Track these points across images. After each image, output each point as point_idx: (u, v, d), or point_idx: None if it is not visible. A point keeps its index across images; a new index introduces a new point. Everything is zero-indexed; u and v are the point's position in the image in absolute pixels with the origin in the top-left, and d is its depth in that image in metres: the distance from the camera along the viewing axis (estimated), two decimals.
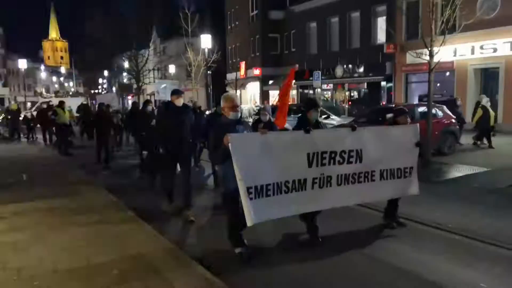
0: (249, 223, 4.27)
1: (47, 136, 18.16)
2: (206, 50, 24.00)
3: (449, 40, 10.31)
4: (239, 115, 4.82)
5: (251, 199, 4.28)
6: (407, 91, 23.09)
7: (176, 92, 6.77)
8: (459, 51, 19.28)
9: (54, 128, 15.10)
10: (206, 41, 22.36)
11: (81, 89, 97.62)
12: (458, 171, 10.06)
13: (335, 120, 17.48)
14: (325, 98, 29.78)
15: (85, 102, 29.06)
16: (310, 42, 29.95)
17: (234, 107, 4.73)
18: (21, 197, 7.77)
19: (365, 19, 24.97)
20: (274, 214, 4.59)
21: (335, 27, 27.48)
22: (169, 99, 6.90)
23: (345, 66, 25.95)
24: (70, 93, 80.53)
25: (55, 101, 22.61)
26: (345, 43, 26.63)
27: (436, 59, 10.81)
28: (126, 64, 44.18)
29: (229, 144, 4.25)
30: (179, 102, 6.64)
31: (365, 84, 25.97)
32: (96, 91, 78.33)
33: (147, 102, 11.63)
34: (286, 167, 4.64)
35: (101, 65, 52.74)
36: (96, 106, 22.52)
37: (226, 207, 4.95)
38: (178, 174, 6.95)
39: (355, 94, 27.86)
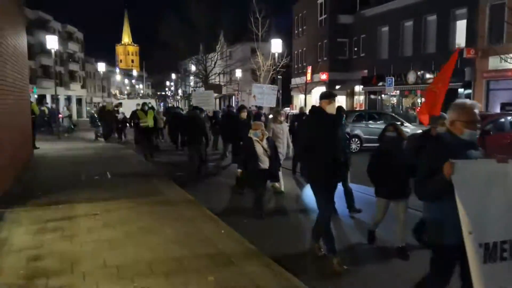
0: None
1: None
2: (276, 55, 24.07)
3: None
4: (477, 135, 3.20)
5: (483, 262, 2.85)
6: (488, 99, 21.63)
7: (328, 96, 4.98)
8: None
9: (138, 131, 15.02)
10: (276, 45, 22.35)
11: (149, 91, 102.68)
12: None
13: (408, 127, 16.69)
14: (392, 105, 28.79)
15: (170, 105, 29.75)
16: (381, 47, 29.10)
17: (473, 122, 3.13)
18: (109, 195, 8.13)
19: (442, 23, 23.78)
20: None
21: (409, 31, 26.47)
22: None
23: (418, 72, 24.88)
24: (140, 95, 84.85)
25: (129, 103, 22.66)
26: (419, 47, 25.53)
27: None
28: (193, 68, 45.78)
29: (453, 176, 2.85)
30: (332, 109, 4.95)
31: None
32: (163, 93, 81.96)
33: (242, 108, 10.79)
34: None
35: (170, 68, 55.11)
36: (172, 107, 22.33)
37: (433, 269, 3.29)
38: None
39: None
